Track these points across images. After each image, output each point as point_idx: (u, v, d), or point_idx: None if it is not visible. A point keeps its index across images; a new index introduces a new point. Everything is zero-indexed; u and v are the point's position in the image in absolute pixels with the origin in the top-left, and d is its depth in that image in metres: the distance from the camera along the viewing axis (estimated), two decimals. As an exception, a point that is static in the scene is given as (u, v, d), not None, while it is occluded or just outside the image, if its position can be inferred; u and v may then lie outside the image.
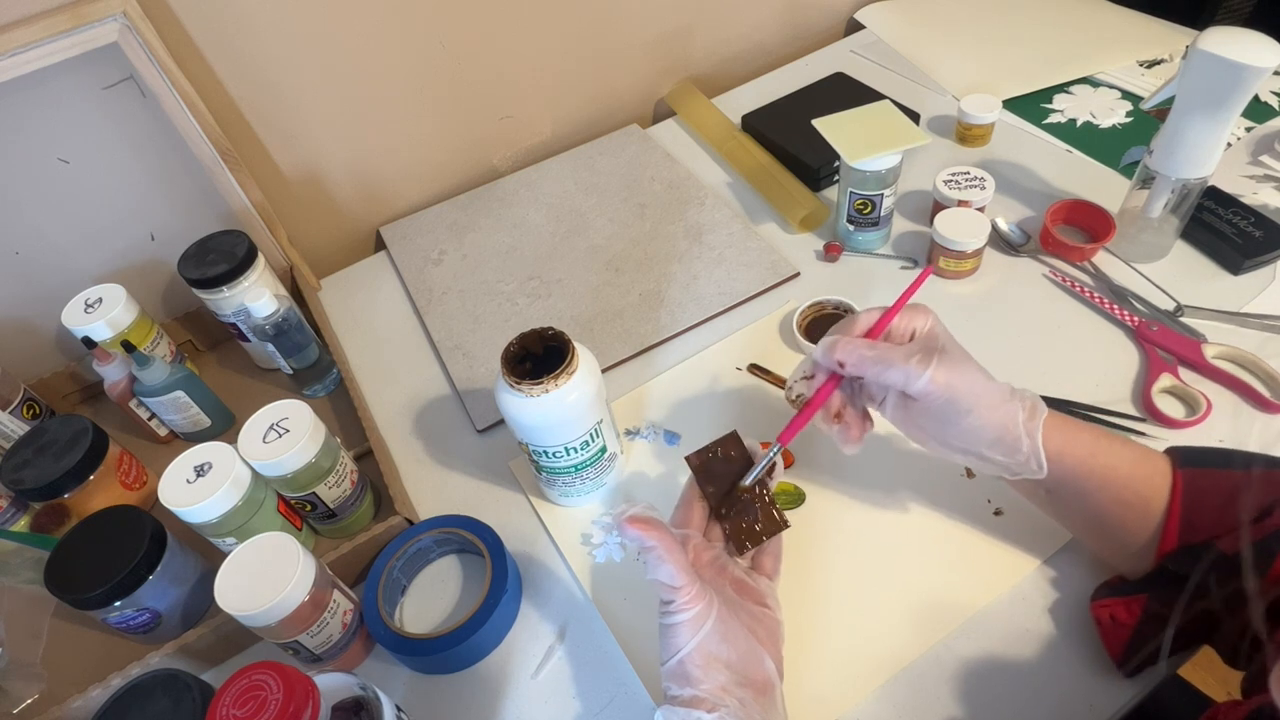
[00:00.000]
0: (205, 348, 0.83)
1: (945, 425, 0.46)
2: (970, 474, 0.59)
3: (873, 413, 0.51)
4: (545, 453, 0.56)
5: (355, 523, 0.63)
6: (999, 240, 0.76)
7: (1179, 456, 0.46)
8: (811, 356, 0.49)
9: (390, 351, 0.79)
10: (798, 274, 0.77)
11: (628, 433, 0.67)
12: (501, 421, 0.69)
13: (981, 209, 0.74)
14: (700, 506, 0.49)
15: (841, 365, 0.46)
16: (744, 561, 0.49)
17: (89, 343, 0.66)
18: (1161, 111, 0.65)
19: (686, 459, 0.50)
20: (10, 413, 0.69)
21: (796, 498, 0.60)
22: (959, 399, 0.44)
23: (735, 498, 0.48)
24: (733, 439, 0.51)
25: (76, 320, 0.68)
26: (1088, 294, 0.69)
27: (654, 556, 0.41)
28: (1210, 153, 0.62)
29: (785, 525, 0.48)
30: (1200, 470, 0.45)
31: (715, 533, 0.49)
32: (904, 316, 0.48)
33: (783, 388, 0.67)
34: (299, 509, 0.61)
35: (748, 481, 0.49)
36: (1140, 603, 0.46)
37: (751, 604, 0.46)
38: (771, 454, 0.49)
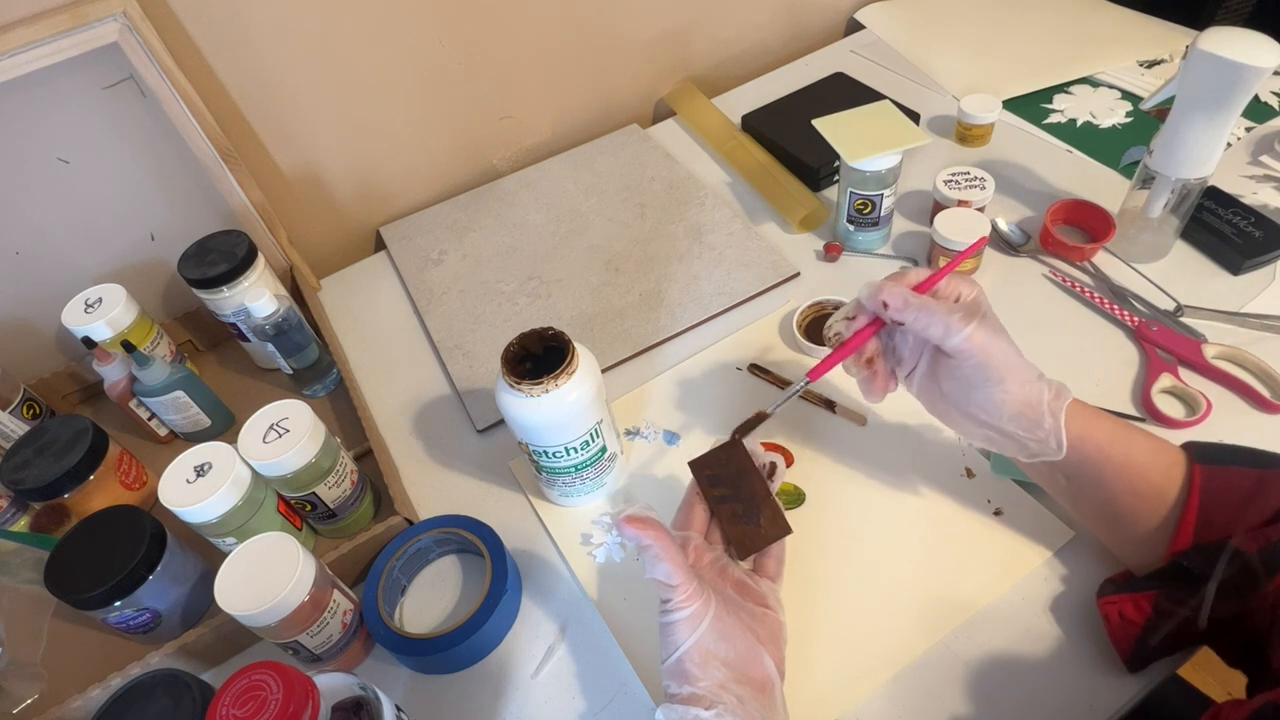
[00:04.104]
0: (205, 348, 0.83)
1: (971, 392, 0.46)
2: (970, 474, 0.59)
3: (881, 406, 0.51)
4: (545, 453, 0.56)
5: (355, 523, 0.63)
6: (999, 240, 0.76)
7: (1196, 452, 0.46)
8: (855, 298, 0.50)
9: (390, 351, 0.79)
10: (798, 274, 0.77)
11: (628, 433, 0.67)
12: (501, 421, 0.69)
13: (981, 209, 0.74)
14: (701, 509, 0.49)
15: (885, 307, 0.46)
16: (745, 564, 0.49)
17: (89, 343, 0.66)
18: (1161, 111, 0.65)
19: (690, 463, 0.50)
20: (10, 413, 0.69)
21: (797, 497, 0.60)
22: (992, 365, 0.45)
23: (738, 501, 0.48)
24: (735, 444, 0.51)
25: (76, 320, 0.68)
26: (1088, 294, 0.69)
27: (651, 555, 0.41)
28: (1210, 153, 0.62)
29: (788, 530, 0.48)
30: (1220, 468, 0.45)
31: (716, 535, 0.50)
32: (951, 281, 0.49)
33: (783, 388, 0.67)
34: (299, 509, 0.61)
35: (771, 410, 0.50)
36: (1150, 600, 0.45)
37: (753, 605, 0.46)
38: (798, 387, 0.50)
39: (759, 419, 0.51)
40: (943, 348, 0.46)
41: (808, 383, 0.50)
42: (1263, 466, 0.45)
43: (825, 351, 0.51)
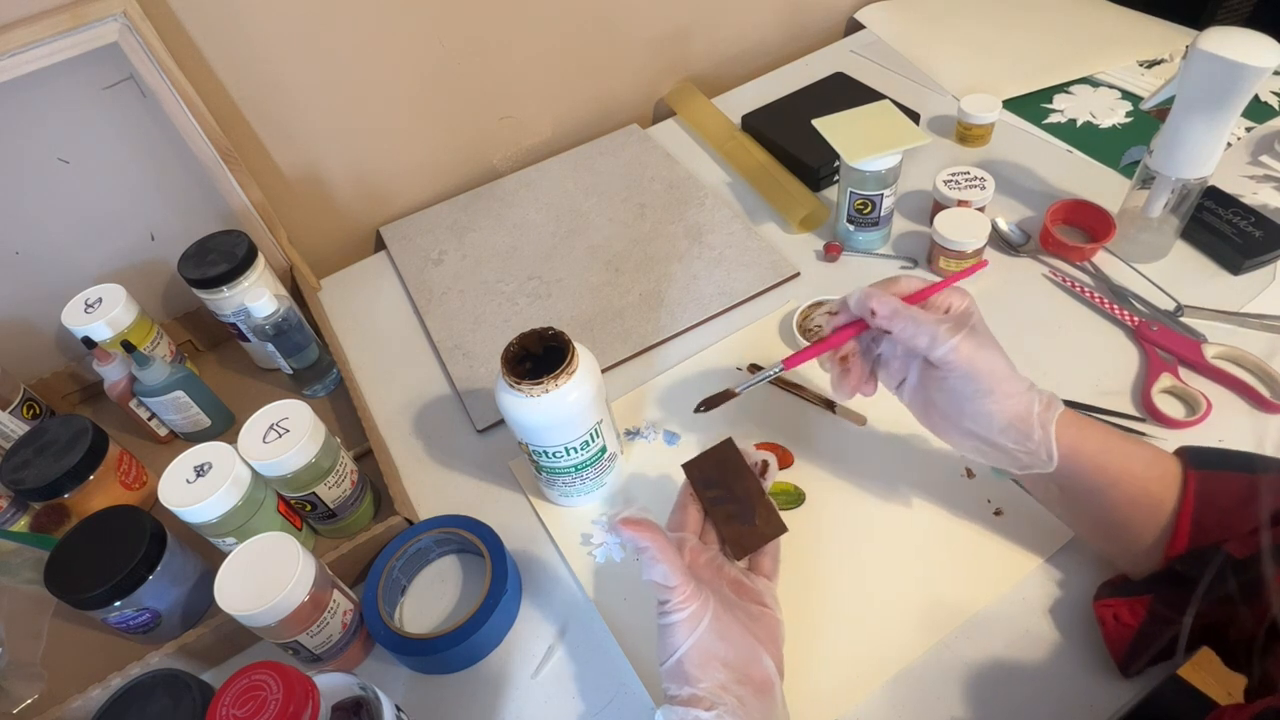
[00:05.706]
0: (205, 348, 0.83)
1: (961, 404, 0.46)
2: (970, 474, 0.59)
3: (880, 406, 0.51)
4: (545, 453, 0.56)
5: (355, 523, 0.63)
6: (999, 240, 0.76)
7: (1190, 457, 0.46)
8: (842, 297, 0.50)
9: (390, 351, 0.79)
10: (798, 274, 0.77)
11: (628, 433, 0.67)
12: (501, 421, 0.69)
13: (981, 209, 0.74)
14: (695, 510, 0.50)
15: (874, 314, 0.46)
16: (741, 563, 0.49)
17: (89, 343, 0.66)
18: (1161, 111, 0.65)
19: (683, 466, 0.51)
20: (10, 413, 0.69)
21: (796, 498, 0.60)
22: (979, 376, 0.45)
23: (732, 502, 0.49)
24: (727, 445, 0.51)
25: (76, 320, 0.68)
26: (1088, 294, 0.69)
27: (648, 557, 0.42)
28: (1210, 153, 0.62)
29: (783, 529, 0.48)
30: (1213, 473, 0.45)
31: (711, 535, 0.50)
32: (943, 294, 0.48)
33: (782, 388, 0.67)
34: (299, 509, 0.61)
35: (739, 389, 0.51)
36: (1144, 604, 0.45)
37: (750, 604, 0.46)
38: (772, 371, 0.51)
39: (726, 396, 0.52)
40: (929, 358, 0.46)
41: (782, 369, 0.51)
42: (1255, 471, 0.45)
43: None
